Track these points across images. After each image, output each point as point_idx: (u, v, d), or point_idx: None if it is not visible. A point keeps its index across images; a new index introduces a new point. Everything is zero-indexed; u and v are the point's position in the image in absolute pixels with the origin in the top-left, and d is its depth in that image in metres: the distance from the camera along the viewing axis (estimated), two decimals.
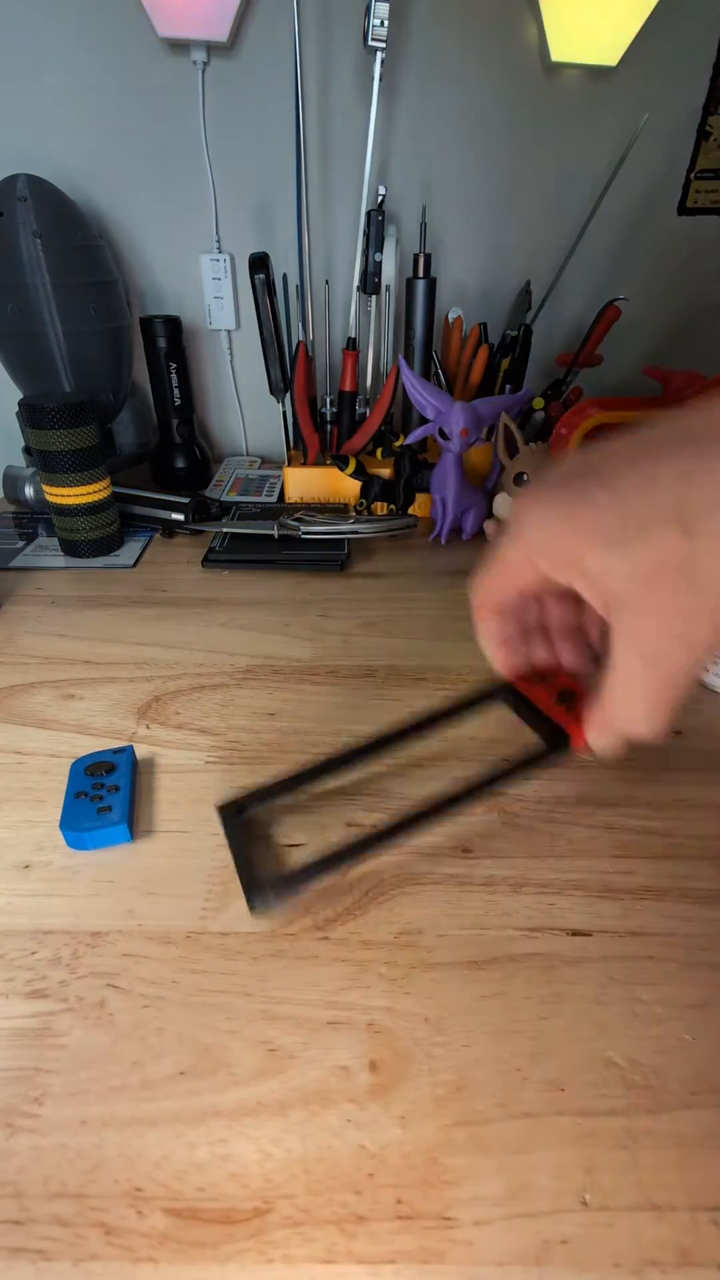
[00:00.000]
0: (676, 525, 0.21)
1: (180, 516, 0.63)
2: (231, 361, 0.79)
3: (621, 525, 0.22)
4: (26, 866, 0.31)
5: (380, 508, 0.68)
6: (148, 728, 0.39)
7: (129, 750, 0.36)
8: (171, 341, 0.69)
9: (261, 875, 0.28)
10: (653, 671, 0.24)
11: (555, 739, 0.32)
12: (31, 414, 0.53)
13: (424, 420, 0.60)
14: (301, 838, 0.32)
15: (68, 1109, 0.22)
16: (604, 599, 0.24)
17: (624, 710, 0.26)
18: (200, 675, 0.44)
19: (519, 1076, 0.23)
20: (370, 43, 0.56)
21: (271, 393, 0.66)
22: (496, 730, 0.38)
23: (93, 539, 0.59)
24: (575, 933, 0.28)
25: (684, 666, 0.24)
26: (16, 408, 0.58)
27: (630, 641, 0.24)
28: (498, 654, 0.32)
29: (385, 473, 0.67)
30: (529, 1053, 0.24)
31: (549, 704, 0.33)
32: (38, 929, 0.28)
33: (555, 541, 0.24)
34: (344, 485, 0.68)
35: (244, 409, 0.82)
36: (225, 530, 0.61)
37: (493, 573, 0.28)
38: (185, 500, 0.63)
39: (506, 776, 0.32)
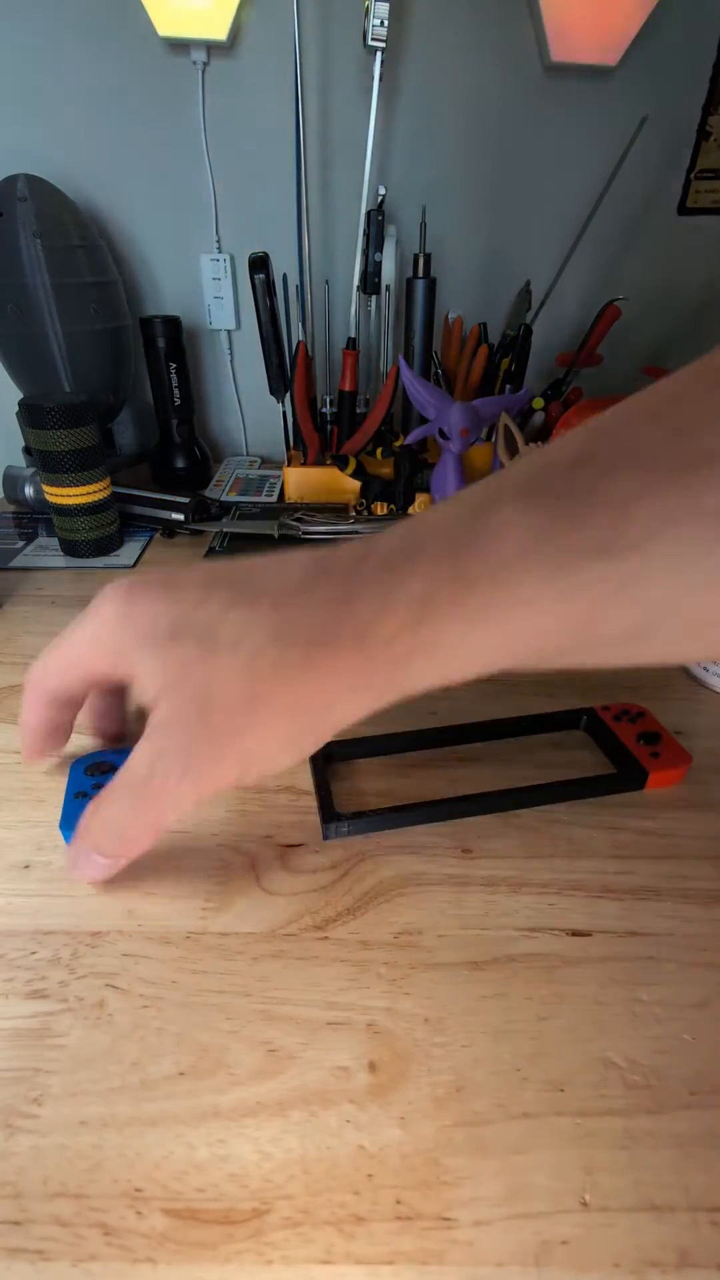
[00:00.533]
0: (205, 644, 0.22)
1: (180, 516, 0.63)
2: (231, 361, 0.79)
3: (169, 632, 0.23)
4: (26, 866, 0.31)
5: (380, 508, 0.68)
6: None
7: (128, 751, 0.35)
8: (171, 341, 0.68)
9: (337, 809, 0.32)
10: (148, 783, 0.24)
11: (630, 774, 0.34)
12: (31, 414, 0.53)
13: (424, 420, 0.60)
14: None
15: (67, 1109, 0.22)
16: (145, 698, 0.24)
17: (109, 812, 0.25)
18: None
19: (519, 1077, 0.23)
20: (370, 43, 0.56)
21: (271, 393, 0.66)
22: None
23: (93, 539, 0.59)
24: (575, 933, 0.28)
25: (173, 792, 0.24)
26: (16, 408, 0.58)
27: (145, 744, 0.24)
28: (32, 743, 0.30)
29: (385, 473, 0.67)
30: (529, 1053, 0.24)
31: (631, 740, 0.35)
32: (37, 929, 0.28)
33: (113, 639, 0.24)
34: (344, 485, 0.68)
35: (244, 409, 0.82)
36: (225, 530, 0.61)
37: (55, 654, 0.27)
38: (185, 500, 0.63)
39: (575, 789, 0.34)
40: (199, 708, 0.22)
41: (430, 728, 0.38)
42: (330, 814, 0.32)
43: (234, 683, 0.22)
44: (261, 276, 0.59)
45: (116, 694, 0.34)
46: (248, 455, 0.85)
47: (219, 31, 0.60)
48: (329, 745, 0.36)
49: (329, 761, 0.36)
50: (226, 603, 0.23)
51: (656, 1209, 0.20)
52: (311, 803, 0.34)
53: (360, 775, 0.36)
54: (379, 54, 0.57)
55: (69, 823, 0.31)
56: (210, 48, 0.63)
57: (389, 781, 0.36)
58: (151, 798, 0.24)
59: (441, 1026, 0.24)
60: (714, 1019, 0.25)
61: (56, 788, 0.35)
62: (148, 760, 0.24)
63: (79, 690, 0.28)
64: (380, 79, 0.59)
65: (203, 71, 0.63)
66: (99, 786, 0.33)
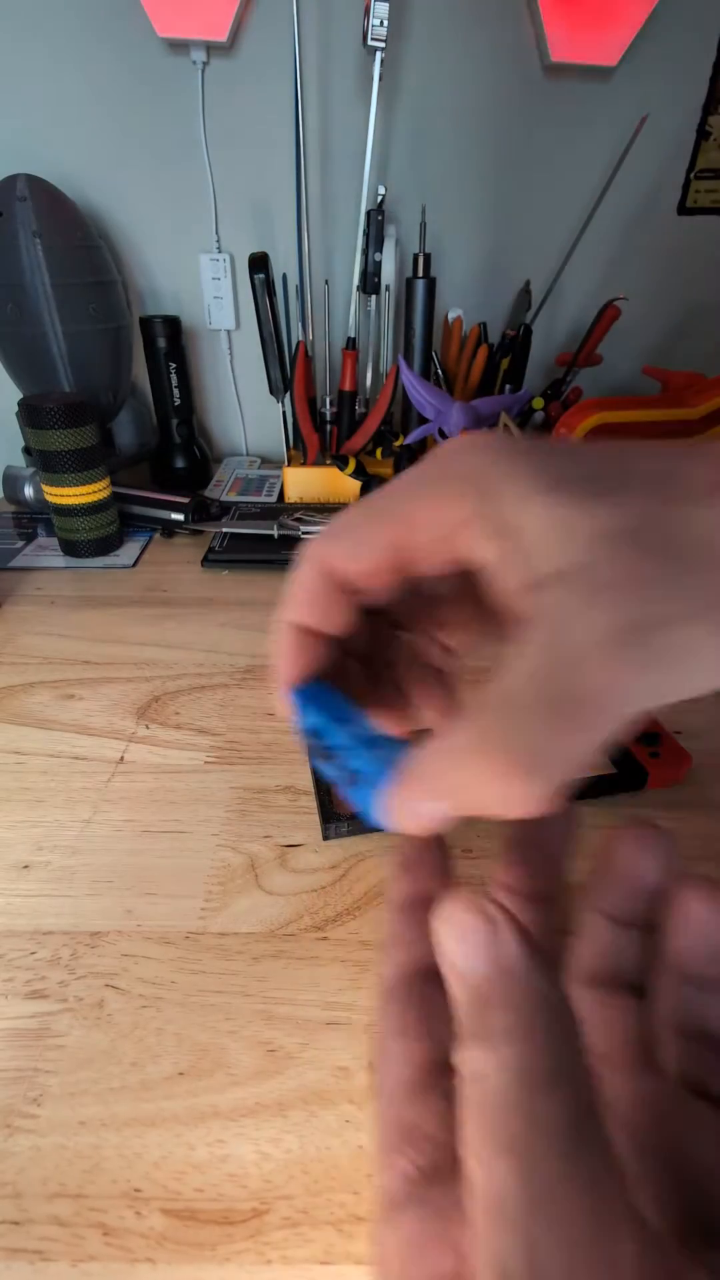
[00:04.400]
0: (663, 486, 0.15)
1: (180, 516, 0.63)
2: (231, 361, 0.79)
3: (590, 475, 0.15)
4: (26, 867, 0.31)
5: None
6: (147, 728, 0.39)
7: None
8: (171, 341, 0.69)
9: (336, 809, 0.32)
10: (569, 690, 0.14)
11: (630, 774, 0.34)
12: (31, 414, 0.53)
13: (424, 420, 0.60)
14: None
15: (66, 1109, 0.22)
16: (537, 567, 0.15)
17: (499, 746, 0.14)
18: (200, 675, 0.44)
19: None
20: (370, 43, 0.56)
21: (271, 393, 0.66)
22: None
23: (92, 539, 0.59)
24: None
25: (618, 691, 0.14)
26: (16, 408, 0.58)
27: (557, 631, 0.14)
28: (285, 649, 0.18)
29: (385, 473, 0.67)
30: None
31: (631, 740, 0.35)
32: (37, 929, 0.28)
33: (493, 477, 0.15)
34: (344, 485, 0.68)
35: (244, 409, 0.82)
36: (225, 530, 0.61)
37: (375, 507, 0.17)
38: (185, 500, 0.63)
39: (575, 789, 0.33)
40: (676, 559, 0.14)
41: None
42: (330, 814, 0.32)
43: None
44: (261, 276, 0.59)
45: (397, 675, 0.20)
46: (248, 455, 0.85)
47: (219, 32, 0.60)
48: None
49: None
50: (664, 454, 0.15)
51: None
52: (311, 803, 0.34)
53: None
54: (379, 54, 0.57)
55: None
56: (210, 48, 0.62)
57: None
58: (576, 714, 0.13)
59: None
60: None
61: (56, 788, 0.35)
62: (568, 651, 0.14)
63: (382, 567, 0.17)
64: (380, 79, 0.59)
65: (203, 71, 0.63)
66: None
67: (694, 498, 0.14)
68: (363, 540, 0.17)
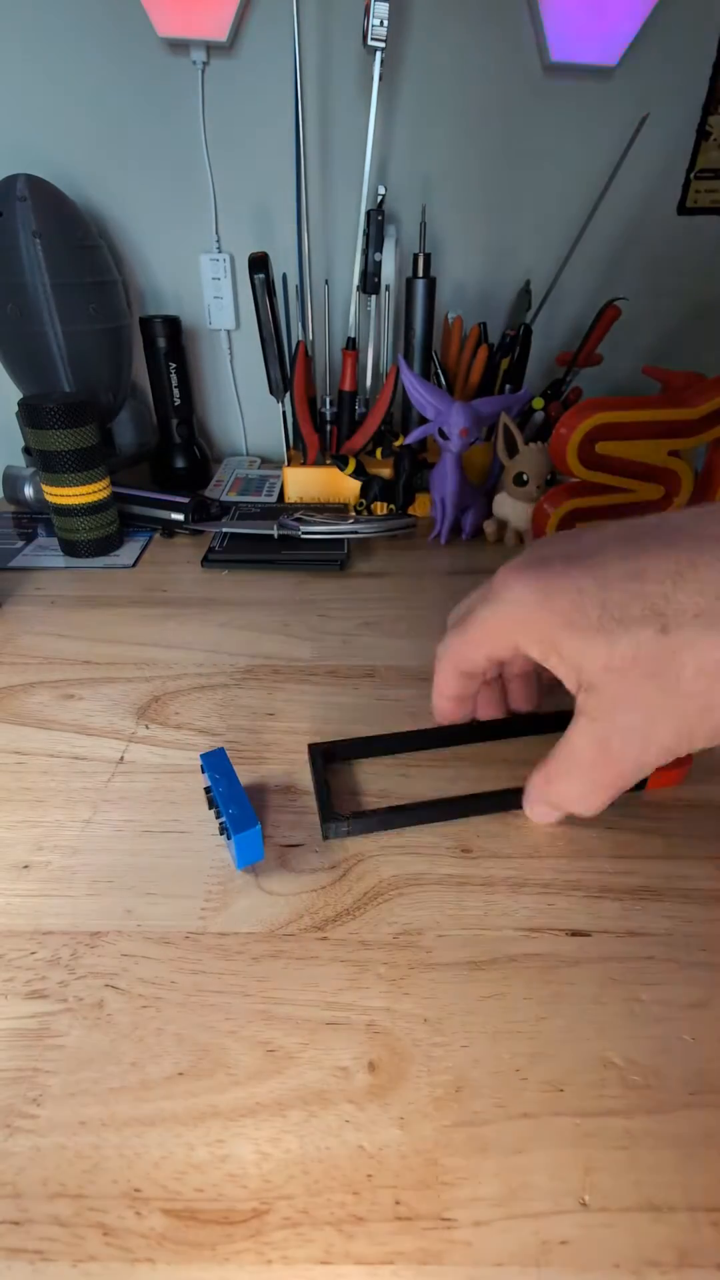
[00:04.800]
0: (656, 623, 0.22)
1: (180, 516, 0.63)
2: (231, 361, 0.79)
3: (602, 613, 0.23)
4: (26, 867, 0.31)
5: (380, 508, 0.68)
6: (147, 728, 0.39)
7: (211, 756, 0.32)
8: (171, 341, 0.69)
9: (336, 809, 0.33)
10: (604, 758, 0.25)
11: None
12: (31, 414, 0.53)
13: (424, 420, 0.60)
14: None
15: (66, 1109, 0.22)
16: (576, 679, 0.25)
17: (564, 785, 0.28)
18: (200, 675, 0.44)
19: (518, 1077, 0.23)
20: (370, 43, 0.56)
21: (271, 393, 0.66)
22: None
23: (92, 539, 0.59)
24: (575, 933, 0.28)
25: (634, 762, 0.25)
26: (16, 408, 0.58)
27: (591, 724, 0.25)
28: (445, 707, 0.33)
29: (385, 473, 0.67)
30: (528, 1053, 0.24)
31: None
32: (37, 929, 0.28)
33: (532, 620, 0.25)
34: (344, 485, 0.68)
35: (244, 409, 0.82)
36: (225, 530, 0.61)
37: (467, 636, 0.29)
38: (185, 500, 0.63)
39: None
40: (661, 685, 0.23)
41: (430, 728, 0.38)
42: (330, 814, 0.32)
43: (706, 654, 0.22)
44: (261, 276, 0.59)
45: (503, 679, 0.36)
46: (248, 455, 0.85)
47: (219, 31, 0.60)
48: (329, 745, 0.36)
49: (329, 761, 0.36)
50: (669, 576, 0.23)
51: (656, 1209, 0.20)
52: (311, 803, 0.34)
53: (360, 775, 0.36)
54: (379, 54, 0.57)
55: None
56: (210, 48, 0.62)
57: (389, 781, 0.36)
58: (611, 770, 0.26)
59: (441, 1027, 0.24)
60: (714, 1019, 0.25)
61: (56, 788, 0.35)
62: (599, 738, 0.25)
63: (485, 667, 0.30)
64: (380, 79, 0.58)
65: (203, 71, 0.63)
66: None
67: (682, 624, 0.22)
68: (467, 654, 0.29)
